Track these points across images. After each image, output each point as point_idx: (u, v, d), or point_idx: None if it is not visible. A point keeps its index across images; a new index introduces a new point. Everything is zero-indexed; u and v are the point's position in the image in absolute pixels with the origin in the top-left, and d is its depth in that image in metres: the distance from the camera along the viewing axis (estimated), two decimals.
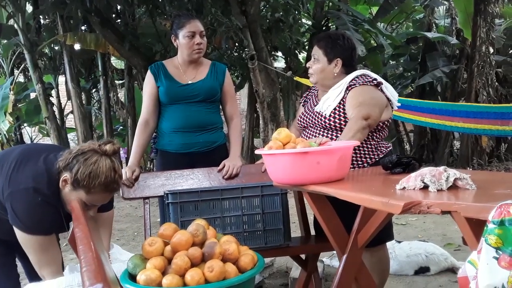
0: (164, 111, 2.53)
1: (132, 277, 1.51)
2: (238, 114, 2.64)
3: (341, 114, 2.14)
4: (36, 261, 1.71)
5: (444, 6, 9.03)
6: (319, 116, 2.19)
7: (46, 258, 1.71)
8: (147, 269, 1.48)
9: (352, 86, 2.15)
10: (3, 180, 1.70)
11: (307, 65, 2.29)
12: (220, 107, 2.64)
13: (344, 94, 2.16)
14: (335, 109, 2.15)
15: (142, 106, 2.56)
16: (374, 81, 2.17)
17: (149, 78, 2.53)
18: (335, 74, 2.21)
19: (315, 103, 2.29)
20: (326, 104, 2.19)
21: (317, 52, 2.23)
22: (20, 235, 1.69)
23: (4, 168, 1.72)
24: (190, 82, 2.50)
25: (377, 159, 2.17)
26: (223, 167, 2.43)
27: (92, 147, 1.69)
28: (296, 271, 2.90)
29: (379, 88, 2.17)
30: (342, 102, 2.15)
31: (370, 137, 2.17)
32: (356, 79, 2.17)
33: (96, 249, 1.20)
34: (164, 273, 1.48)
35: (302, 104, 2.47)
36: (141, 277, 1.45)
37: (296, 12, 7.44)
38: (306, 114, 2.30)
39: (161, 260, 1.50)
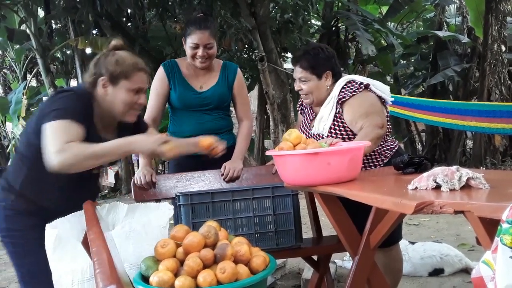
0: (175, 115, 2.53)
1: (145, 279, 1.52)
2: (248, 116, 2.60)
3: (337, 129, 2.13)
4: (56, 142, 1.57)
5: (455, 5, 8.95)
6: (319, 138, 2.16)
7: (62, 136, 1.58)
8: (159, 270, 1.48)
9: (343, 100, 2.11)
10: (35, 121, 1.70)
11: (296, 88, 2.23)
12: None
13: (337, 109, 2.13)
14: (331, 127, 2.14)
15: (149, 103, 2.48)
16: (361, 86, 2.12)
17: (161, 77, 2.49)
18: (328, 87, 2.18)
19: (311, 116, 2.28)
20: (322, 124, 2.17)
21: (302, 73, 2.16)
22: (51, 125, 1.59)
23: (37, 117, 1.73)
24: (202, 89, 2.48)
25: (388, 157, 2.16)
26: (225, 169, 2.42)
27: (102, 52, 1.80)
28: (308, 272, 2.89)
29: (368, 89, 2.14)
30: (336, 117, 2.13)
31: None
32: (343, 90, 2.13)
33: (109, 250, 1.21)
34: (176, 274, 1.49)
35: (299, 112, 2.44)
36: (153, 278, 1.46)
37: (306, 13, 7.44)
38: (306, 134, 2.25)
39: (174, 261, 1.50)
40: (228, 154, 2.48)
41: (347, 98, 2.10)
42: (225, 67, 2.56)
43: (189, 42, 2.42)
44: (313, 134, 2.21)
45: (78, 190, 1.81)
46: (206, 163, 2.42)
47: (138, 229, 1.68)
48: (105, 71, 1.72)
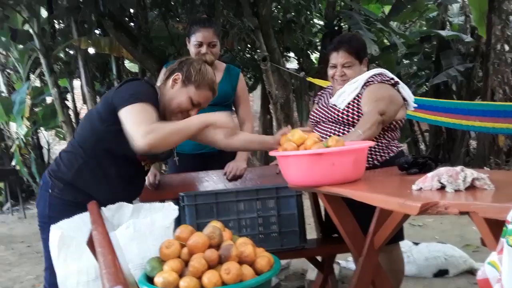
0: None
1: (150, 280, 1.52)
2: (250, 118, 2.63)
3: (355, 109, 2.15)
4: (141, 125, 1.61)
5: (458, 4, 8.93)
6: (333, 110, 2.20)
7: (145, 117, 1.64)
8: (164, 271, 1.49)
9: (370, 83, 2.17)
10: (102, 108, 1.77)
11: (337, 73, 2.23)
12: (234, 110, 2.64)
13: (361, 90, 2.17)
14: (349, 103, 2.16)
15: None
16: (391, 80, 2.18)
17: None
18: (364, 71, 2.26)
19: (329, 99, 2.30)
20: (342, 98, 2.20)
21: (347, 58, 2.22)
22: (130, 109, 1.65)
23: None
24: None
25: (387, 158, 2.16)
26: (228, 168, 2.43)
27: (195, 58, 1.92)
28: (312, 273, 2.89)
29: (396, 87, 2.18)
30: (357, 97, 2.17)
31: (381, 136, 2.16)
32: (374, 76, 2.19)
33: (114, 251, 1.21)
34: (181, 275, 1.49)
35: (316, 102, 2.47)
36: (158, 279, 1.46)
37: (308, 13, 7.44)
38: (320, 109, 2.31)
39: (178, 262, 1.51)
40: (229, 154, 2.49)
41: (374, 83, 2.16)
42: (228, 69, 2.59)
43: (193, 40, 2.44)
44: (330, 105, 2.25)
45: (127, 184, 1.86)
46: (206, 163, 2.42)
47: (143, 229, 1.68)
48: (185, 71, 1.81)
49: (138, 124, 1.61)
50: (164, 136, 1.63)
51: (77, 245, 1.65)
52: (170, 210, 1.74)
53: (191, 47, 2.47)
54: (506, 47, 7.25)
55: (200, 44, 2.43)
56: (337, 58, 2.24)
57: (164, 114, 1.80)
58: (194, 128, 1.72)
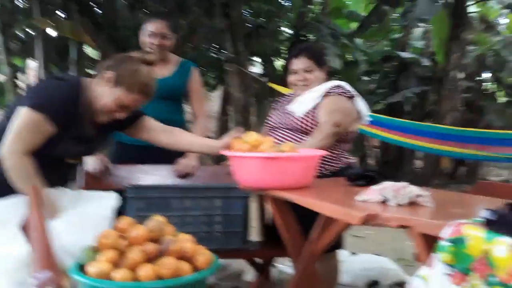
0: None
1: (83, 269, 1.47)
2: (203, 114, 2.59)
3: (310, 118, 2.17)
4: (16, 138, 1.61)
5: (421, 29, 9.26)
6: (290, 116, 2.21)
7: (26, 137, 1.61)
8: (98, 261, 1.44)
9: (329, 94, 2.20)
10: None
11: (297, 78, 2.26)
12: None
13: (321, 100, 2.19)
14: (308, 112, 2.18)
15: None
16: (348, 93, 2.22)
17: None
18: (324, 78, 2.29)
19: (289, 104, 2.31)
20: (301, 106, 2.22)
21: (307, 63, 2.25)
22: (22, 113, 1.62)
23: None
24: (157, 77, 2.45)
25: (337, 169, 2.19)
26: (179, 165, 2.39)
27: (138, 56, 1.80)
28: (248, 274, 2.89)
29: (352, 101, 2.21)
30: (316, 106, 2.19)
31: (334, 147, 2.19)
32: (333, 88, 2.22)
33: (49, 237, 1.16)
34: (116, 266, 1.45)
35: (273, 107, 2.48)
36: (91, 269, 1.42)
37: (278, 20, 7.50)
38: (276, 114, 2.31)
39: (114, 253, 1.47)
40: (174, 151, 2.43)
41: (332, 94, 2.19)
42: (183, 63, 2.56)
43: (146, 30, 2.42)
44: (287, 111, 2.26)
45: (46, 173, 1.73)
46: (146, 154, 2.35)
47: (82, 217, 1.64)
48: (119, 71, 1.72)
49: (16, 139, 1.62)
50: (12, 172, 1.61)
51: (9, 229, 1.57)
52: (110, 199, 1.70)
53: (143, 37, 2.43)
54: (461, 75, 7.58)
55: (152, 34, 2.40)
56: (298, 63, 2.26)
57: (90, 111, 1.74)
58: (31, 200, 1.62)
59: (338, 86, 2.23)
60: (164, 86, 2.42)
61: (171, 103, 2.47)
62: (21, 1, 8.14)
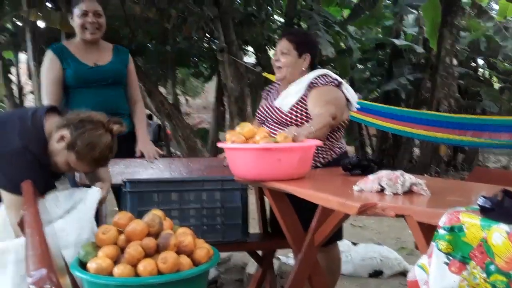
0: (72, 95, 2.39)
1: (84, 265, 1.47)
2: (141, 99, 2.58)
3: (298, 110, 2.15)
4: (14, 219, 1.63)
5: (413, 15, 9.23)
6: (278, 112, 2.20)
7: (17, 211, 1.63)
8: (98, 257, 1.44)
9: (314, 85, 2.15)
10: None
11: (274, 58, 2.26)
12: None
13: (305, 92, 2.16)
14: (294, 105, 2.16)
15: (45, 90, 2.36)
16: (335, 81, 2.18)
17: (52, 60, 2.36)
18: (303, 69, 2.22)
19: (275, 98, 2.29)
20: (286, 100, 2.19)
21: (286, 45, 2.21)
22: (6, 197, 1.64)
23: None
24: (98, 64, 2.42)
25: (330, 160, 2.18)
26: (141, 153, 2.38)
27: (102, 120, 1.69)
28: (252, 267, 2.91)
29: (340, 88, 2.19)
30: (302, 99, 2.16)
31: (326, 137, 2.18)
32: (317, 78, 2.18)
33: (44, 234, 1.16)
34: (116, 262, 1.45)
35: (263, 97, 2.46)
36: (92, 265, 1.42)
37: (269, 8, 7.45)
38: (266, 109, 2.30)
39: (114, 249, 1.47)
40: (129, 141, 2.42)
41: (318, 85, 2.14)
42: (117, 48, 2.54)
43: (77, 11, 2.37)
44: (274, 106, 2.24)
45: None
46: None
47: (72, 214, 1.65)
48: (74, 136, 1.63)
49: (11, 213, 1.65)
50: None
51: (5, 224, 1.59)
52: (93, 193, 1.71)
53: (76, 20, 2.38)
54: (455, 61, 7.58)
55: (85, 13, 2.36)
56: (279, 44, 2.26)
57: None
58: None
59: (323, 76, 2.19)
60: (110, 72, 2.41)
61: (115, 88, 2.44)
62: None
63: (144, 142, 2.42)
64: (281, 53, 2.22)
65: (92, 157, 1.65)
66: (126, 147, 2.35)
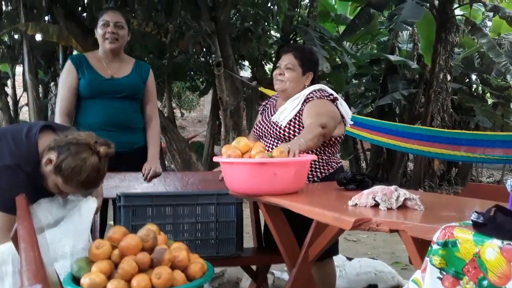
0: (84, 106, 2.41)
1: (77, 280, 1.46)
2: (157, 116, 2.58)
3: (296, 125, 2.17)
4: (1, 237, 1.61)
5: (408, 31, 9.35)
6: (275, 126, 2.21)
7: (7, 231, 1.59)
8: (92, 272, 1.43)
9: (310, 99, 2.19)
10: None
11: (277, 72, 2.28)
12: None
13: (301, 107, 2.19)
14: (291, 120, 2.18)
15: (60, 98, 2.41)
16: (330, 96, 2.22)
17: (70, 69, 2.41)
18: (305, 86, 2.26)
19: (273, 113, 2.31)
20: (283, 115, 2.21)
21: (292, 61, 2.24)
22: None
23: None
24: (114, 76, 2.43)
25: (327, 174, 2.20)
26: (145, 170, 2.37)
27: (88, 141, 1.64)
28: (246, 282, 2.89)
29: (335, 103, 2.22)
30: (298, 114, 2.18)
31: (322, 152, 2.20)
32: (313, 92, 2.22)
33: (39, 248, 1.15)
34: (110, 277, 1.44)
35: (260, 112, 2.48)
36: (85, 280, 1.41)
37: (266, 23, 7.52)
38: (263, 123, 2.32)
39: (108, 264, 1.46)
40: (138, 155, 2.43)
41: (313, 99, 2.18)
42: (138, 63, 2.56)
43: (100, 22, 2.41)
44: (271, 121, 2.25)
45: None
46: (115, 162, 2.28)
47: (68, 226, 1.64)
48: (60, 159, 1.60)
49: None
50: None
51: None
52: (90, 203, 1.71)
53: (98, 30, 2.42)
54: (448, 77, 7.66)
55: (107, 24, 2.39)
56: (284, 59, 2.28)
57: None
58: None
59: (319, 90, 2.23)
60: (125, 85, 2.42)
61: (129, 102, 2.44)
62: (6, 6, 8.07)
63: (150, 161, 2.41)
64: (286, 67, 2.25)
65: (78, 180, 1.61)
66: (137, 161, 2.38)
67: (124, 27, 2.45)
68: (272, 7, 7.27)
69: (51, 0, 6.43)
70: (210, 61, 7.45)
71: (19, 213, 1.53)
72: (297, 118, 2.18)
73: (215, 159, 1.87)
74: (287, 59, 2.26)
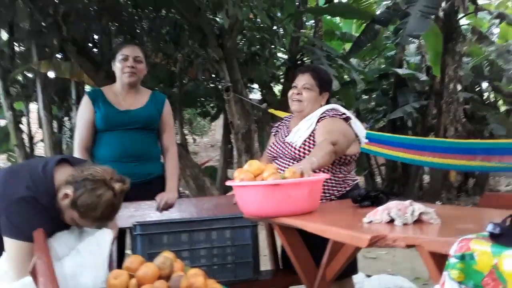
0: (100, 139, 2.45)
1: None
2: (175, 145, 2.59)
3: (310, 145, 2.17)
4: (19, 268, 1.63)
5: (415, 44, 9.37)
6: (290, 147, 2.22)
7: (25, 264, 1.62)
8: None
9: (322, 118, 2.20)
10: None
11: (295, 91, 2.28)
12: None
13: (315, 126, 2.20)
14: (305, 140, 2.19)
15: (77, 132, 2.46)
16: (343, 115, 2.23)
17: (86, 104, 2.46)
18: (321, 106, 2.27)
19: (286, 134, 2.32)
20: (297, 135, 2.22)
21: (310, 81, 2.26)
22: (13, 244, 1.64)
23: None
24: (129, 108, 2.45)
25: (344, 192, 2.19)
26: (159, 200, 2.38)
27: (104, 177, 1.66)
28: None
29: (348, 122, 2.23)
30: (312, 134, 2.19)
31: (338, 170, 2.20)
32: (327, 112, 2.23)
33: (57, 282, 1.16)
34: None
35: (273, 134, 2.49)
36: None
37: (272, 46, 7.61)
38: (277, 144, 2.32)
39: None
40: (153, 185, 2.43)
41: (326, 118, 2.19)
42: (154, 94, 2.58)
43: (119, 56, 2.45)
44: (286, 142, 2.26)
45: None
46: (130, 192, 2.28)
47: (85, 257, 1.66)
48: (78, 194, 1.63)
49: (16, 264, 1.65)
50: None
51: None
52: (106, 235, 1.72)
53: (117, 64, 2.45)
54: (459, 87, 7.62)
55: (126, 58, 2.43)
56: (301, 79, 2.29)
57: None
58: None
59: (332, 109, 2.24)
60: (139, 116, 2.45)
61: (146, 134, 2.46)
62: (18, 47, 8.30)
63: (167, 191, 2.42)
64: (304, 87, 2.26)
65: (94, 216, 1.64)
66: (154, 191, 2.39)
67: (143, 61, 2.49)
68: (277, 30, 7.36)
69: (63, 38, 6.60)
70: (219, 86, 7.54)
71: (36, 247, 1.55)
72: (311, 138, 2.19)
73: (228, 183, 1.88)
74: (304, 79, 2.27)
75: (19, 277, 1.61)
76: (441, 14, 7.67)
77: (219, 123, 10.92)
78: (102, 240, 1.71)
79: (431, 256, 1.24)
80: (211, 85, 8.46)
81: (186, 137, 10.77)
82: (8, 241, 1.65)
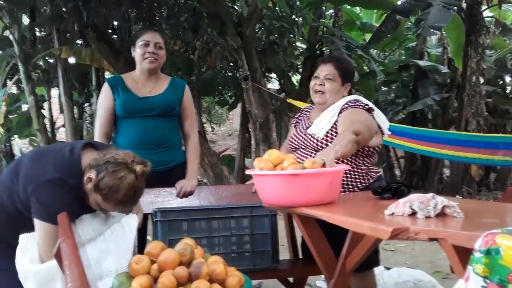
0: (120, 126, 2.47)
1: None
2: (195, 132, 2.59)
3: (333, 137, 2.15)
4: (47, 250, 1.65)
5: (436, 36, 9.21)
6: (312, 138, 2.21)
7: (51, 243, 1.65)
8: (132, 287, 1.46)
9: (344, 109, 2.18)
10: (23, 180, 1.70)
11: (316, 82, 2.25)
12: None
13: (337, 118, 2.18)
14: (328, 132, 2.17)
15: (98, 120, 2.48)
16: (366, 106, 2.20)
17: (106, 91, 2.47)
18: (344, 97, 2.25)
19: (307, 125, 2.30)
20: (319, 126, 2.20)
21: (332, 72, 2.23)
22: (42, 226, 1.67)
23: (21, 170, 1.72)
24: (148, 95, 2.46)
25: (367, 184, 2.18)
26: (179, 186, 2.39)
27: (126, 160, 1.67)
28: None
29: (371, 114, 2.21)
30: (335, 125, 2.17)
31: (360, 162, 2.18)
32: (348, 102, 2.21)
33: (82, 265, 1.19)
34: None
35: (294, 125, 2.48)
36: None
37: (291, 36, 7.55)
38: (298, 136, 2.31)
39: (147, 278, 1.49)
40: (174, 173, 2.44)
41: (348, 108, 2.17)
42: (173, 81, 2.58)
43: (140, 41, 2.45)
44: (307, 133, 2.24)
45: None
46: (150, 180, 2.30)
47: (110, 242, 1.69)
48: (100, 177, 1.64)
49: (46, 247, 1.66)
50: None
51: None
52: (132, 220, 1.74)
53: (137, 50, 2.45)
54: (481, 80, 7.48)
55: (147, 44, 2.43)
56: (323, 69, 2.26)
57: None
58: None
59: (354, 100, 2.22)
60: (158, 102, 2.45)
61: (164, 120, 2.46)
62: (40, 32, 8.40)
63: (187, 178, 2.44)
64: (326, 78, 2.24)
65: (116, 199, 1.65)
66: (174, 179, 2.41)
67: (163, 48, 2.49)
68: (297, 19, 7.30)
69: (83, 24, 6.65)
70: (238, 75, 7.53)
71: (61, 231, 1.58)
72: (333, 129, 2.16)
73: (247, 172, 1.88)
74: (326, 70, 2.25)
75: (46, 260, 1.64)
76: (464, 5, 7.52)
77: (237, 112, 10.93)
78: (128, 225, 1.74)
79: (454, 250, 1.22)
80: (229, 74, 8.45)
81: (204, 125, 10.81)
82: (38, 223, 1.68)
